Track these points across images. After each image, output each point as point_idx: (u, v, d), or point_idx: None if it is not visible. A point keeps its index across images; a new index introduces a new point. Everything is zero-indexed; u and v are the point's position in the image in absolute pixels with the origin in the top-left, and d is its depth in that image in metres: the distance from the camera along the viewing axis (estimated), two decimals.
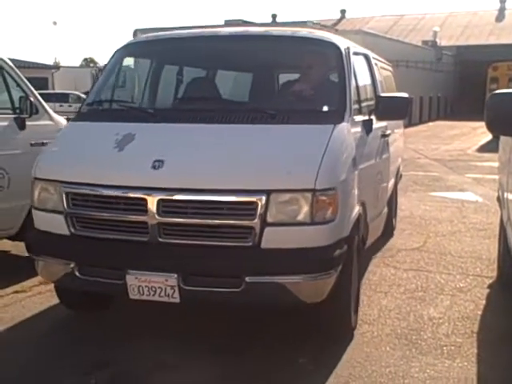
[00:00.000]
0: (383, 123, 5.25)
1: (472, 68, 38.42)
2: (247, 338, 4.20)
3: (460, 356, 3.92)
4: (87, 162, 3.97)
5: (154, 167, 3.65)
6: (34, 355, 3.97)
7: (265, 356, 3.89)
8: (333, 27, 25.02)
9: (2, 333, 4.34)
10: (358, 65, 4.94)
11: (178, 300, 3.60)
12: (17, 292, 5.08)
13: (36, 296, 5.02)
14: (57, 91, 37.10)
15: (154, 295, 3.62)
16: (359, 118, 4.46)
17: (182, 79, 5.31)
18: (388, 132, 5.56)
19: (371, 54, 5.83)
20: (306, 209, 3.51)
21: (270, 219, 3.50)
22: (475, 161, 15.03)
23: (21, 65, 30.03)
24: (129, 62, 5.19)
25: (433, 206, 9.03)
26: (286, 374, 3.66)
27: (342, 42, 4.66)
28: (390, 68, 7.39)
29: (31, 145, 5.57)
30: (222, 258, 3.56)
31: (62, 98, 34.38)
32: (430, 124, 30.92)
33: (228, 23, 21.39)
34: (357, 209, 4.13)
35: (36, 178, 4.06)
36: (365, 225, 4.57)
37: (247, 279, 3.47)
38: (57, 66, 47.65)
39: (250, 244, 3.52)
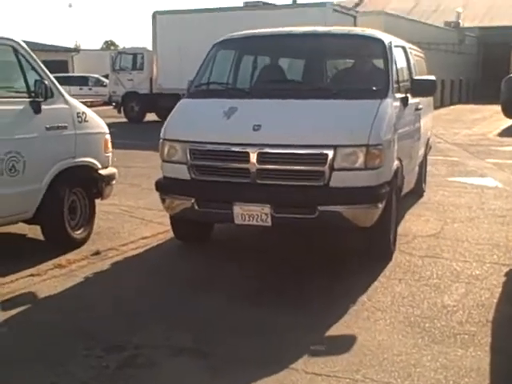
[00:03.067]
0: (416, 99, 6.60)
1: (495, 50, 37.82)
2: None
3: (473, 345, 3.88)
4: (204, 126, 5.44)
5: (254, 129, 5.10)
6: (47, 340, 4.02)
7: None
8: (354, 9, 24.66)
9: (16, 316, 4.39)
10: (398, 54, 6.38)
11: (270, 224, 5.02)
12: (32, 275, 5.12)
13: (51, 280, 5.06)
14: (76, 74, 37.23)
15: (252, 220, 5.04)
16: (398, 95, 5.82)
17: (267, 66, 6.85)
18: (420, 107, 7.02)
19: (407, 45, 7.32)
20: (361, 158, 4.94)
21: (336, 166, 4.92)
22: (496, 146, 14.83)
23: (40, 48, 30.17)
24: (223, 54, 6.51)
25: (451, 191, 8.92)
26: (296, 357, 3.66)
27: (386, 38, 6.18)
28: (422, 54, 8.76)
29: (46, 129, 5.58)
30: (301, 193, 4.98)
31: (82, 81, 34.51)
32: (452, 107, 30.54)
33: (247, 5, 21.18)
34: (396, 162, 5.52)
35: (165, 139, 5.49)
36: (401, 176, 5.87)
37: (319, 208, 4.87)
38: (76, 49, 47.76)
39: (322, 183, 4.96)
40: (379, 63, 6.01)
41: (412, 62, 7.19)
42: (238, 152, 5.14)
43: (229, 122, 5.29)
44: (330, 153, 4.91)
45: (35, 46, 5.70)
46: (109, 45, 76.23)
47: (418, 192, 8.07)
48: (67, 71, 38.16)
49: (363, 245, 5.43)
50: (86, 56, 43.17)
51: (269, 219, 4.98)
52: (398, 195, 5.84)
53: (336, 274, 5.22)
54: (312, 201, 4.94)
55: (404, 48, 6.99)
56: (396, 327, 4.14)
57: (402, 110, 5.86)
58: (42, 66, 5.69)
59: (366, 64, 6.29)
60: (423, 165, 8.38)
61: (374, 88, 5.56)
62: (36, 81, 5.51)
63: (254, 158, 5.02)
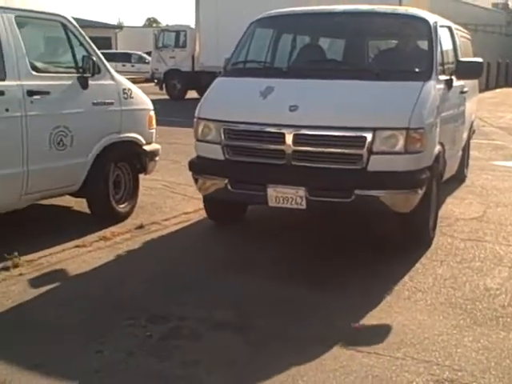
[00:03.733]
0: (461, 82, 6.40)
1: None
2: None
3: None
4: (240, 106, 5.27)
5: (290, 110, 4.90)
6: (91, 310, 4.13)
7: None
8: None
9: (61, 286, 4.52)
10: (443, 35, 6.13)
11: (304, 207, 4.84)
12: (78, 246, 5.26)
13: (96, 251, 5.18)
14: (120, 51, 37.55)
15: (287, 203, 4.87)
16: (443, 77, 5.61)
17: (305, 45, 6.66)
18: (465, 89, 6.78)
19: (454, 26, 7.03)
20: (401, 142, 4.73)
21: (374, 149, 4.72)
22: None
23: (85, 24, 30.37)
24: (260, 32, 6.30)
25: (495, 175, 8.78)
26: (337, 335, 3.69)
27: (431, 17, 5.92)
28: (469, 36, 8.56)
29: (93, 104, 5.68)
30: (338, 176, 4.79)
31: (125, 57, 34.79)
32: (497, 91, 29.84)
33: None
34: (438, 147, 5.32)
35: (199, 118, 5.34)
36: (443, 161, 5.67)
37: (356, 192, 4.68)
38: (120, 26, 48.11)
39: (360, 167, 4.75)
40: (423, 44, 5.78)
41: (458, 43, 6.93)
42: (273, 133, 4.97)
43: (265, 101, 5.11)
44: (369, 136, 4.70)
45: (81, 23, 5.78)
46: (151, 22, 76.67)
47: (459, 177, 7.86)
48: (111, 48, 38.50)
49: (402, 230, 5.32)
50: (129, 33, 43.49)
51: (303, 202, 4.80)
52: (439, 181, 5.62)
53: (377, 255, 5.21)
54: (348, 184, 4.73)
55: (450, 28, 6.74)
56: (437, 308, 4.13)
57: (445, 93, 5.67)
58: (90, 42, 5.78)
59: (409, 44, 6.06)
60: (466, 149, 8.05)
61: (417, 70, 5.36)
62: (84, 57, 5.61)
63: (289, 139, 4.84)
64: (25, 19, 5.31)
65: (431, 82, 5.21)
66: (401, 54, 6.04)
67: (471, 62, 6.10)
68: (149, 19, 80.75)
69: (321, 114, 4.95)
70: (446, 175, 6.14)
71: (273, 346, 3.62)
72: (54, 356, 3.49)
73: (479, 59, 6.09)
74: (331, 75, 5.31)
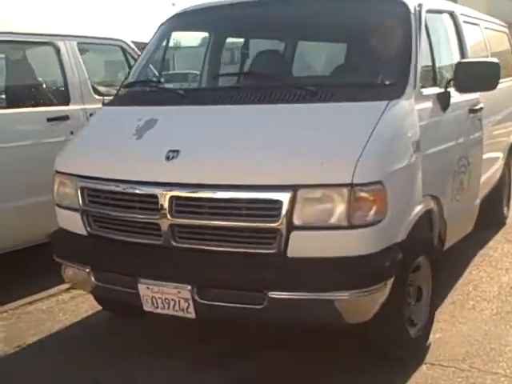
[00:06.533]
0: (473, 95, 4.25)
1: None
2: None
3: None
4: (103, 153, 3.55)
5: (167, 158, 3.15)
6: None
7: None
8: None
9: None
10: (438, 25, 4.12)
11: (193, 315, 3.13)
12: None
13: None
14: (177, 71, 38.27)
15: (168, 308, 3.18)
16: (432, 90, 3.68)
17: (215, 54, 4.85)
18: (480, 106, 4.40)
19: (460, 11, 4.70)
20: (341, 208, 2.86)
21: (296, 221, 2.89)
22: None
23: (143, 46, 31.24)
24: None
25: None
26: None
27: None
28: (505, 29, 6.38)
29: None
30: (241, 267, 2.99)
31: (183, 78, 35.45)
32: None
33: None
34: (419, 206, 3.34)
35: (56, 171, 3.69)
36: (440, 222, 3.79)
37: (270, 294, 2.90)
38: (177, 47, 49.04)
39: (274, 251, 2.94)
40: (396, 39, 3.67)
41: (468, 37, 4.62)
42: (142, 195, 3.22)
43: (137, 144, 3.39)
44: (286, 198, 2.86)
45: (139, 45, 6.01)
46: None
47: (495, 220, 5.96)
48: (169, 69, 39.30)
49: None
50: (186, 52, 44.29)
51: (191, 308, 3.09)
52: (436, 255, 3.67)
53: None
54: (257, 281, 2.96)
55: (452, 15, 4.47)
56: (503, 317, 4.04)
57: (436, 115, 3.68)
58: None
59: (371, 41, 3.92)
60: (502, 184, 5.86)
61: (380, 81, 3.49)
62: None
63: (165, 205, 3.09)
64: (86, 45, 5.55)
65: (403, 102, 3.28)
66: (357, 57, 4.18)
67: (478, 63, 3.94)
68: (204, 38, 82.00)
69: (211, 164, 3.12)
70: (452, 240, 4.17)
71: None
72: None
73: (493, 59, 4.09)
74: (243, 98, 3.45)
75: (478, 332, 3.84)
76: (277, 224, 2.90)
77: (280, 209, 2.88)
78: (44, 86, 5.41)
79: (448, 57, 4.29)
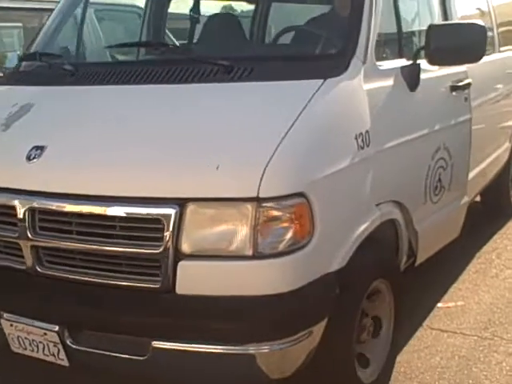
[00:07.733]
0: (457, 68, 3.28)
1: None
2: None
3: None
4: None
5: (28, 157, 2.40)
6: None
7: None
8: None
9: None
10: None
11: (66, 363, 2.40)
12: None
13: None
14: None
15: (37, 351, 2.43)
16: (395, 63, 2.80)
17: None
18: (467, 81, 3.41)
19: None
20: (243, 232, 2.09)
21: (185, 248, 2.13)
22: None
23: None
24: None
25: None
26: (422, 314, 3.62)
27: None
28: None
29: None
30: (119, 307, 2.24)
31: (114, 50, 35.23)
32: None
33: None
34: (370, 218, 2.51)
35: None
36: (411, 232, 3.00)
37: (154, 344, 2.19)
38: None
39: (158, 286, 2.17)
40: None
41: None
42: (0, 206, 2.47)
43: (1, 137, 2.66)
44: (170, 216, 2.12)
45: None
46: None
47: (502, 212, 5.16)
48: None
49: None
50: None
51: (62, 354, 2.37)
52: (397, 275, 2.88)
53: (463, 231, 5.06)
54: (137, 327, 2.22)
55: None
56: None
57: (400, 96, 2.78)
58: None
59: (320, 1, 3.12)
60: (509, 171, 5.07)
61: (317, 52, 2.72)
62: None
63: (25, 219, 2.34)
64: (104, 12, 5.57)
65: (346, 80, 2.45)
66: (300, 21, 3.44)
67: (457, 26, 2.95)
68: None
69: (79, 167, 2.36)
70: (430, 250, 3.40)
71: None
72: None
73: (477, 21, 2.89)
74: (141, 76, 2.66)
75: (500, 300, 3.78)
76: (159, 250, 2.13)
77: (162, 230, 2.12)
78: None
79: (423, 20, 3.27)
